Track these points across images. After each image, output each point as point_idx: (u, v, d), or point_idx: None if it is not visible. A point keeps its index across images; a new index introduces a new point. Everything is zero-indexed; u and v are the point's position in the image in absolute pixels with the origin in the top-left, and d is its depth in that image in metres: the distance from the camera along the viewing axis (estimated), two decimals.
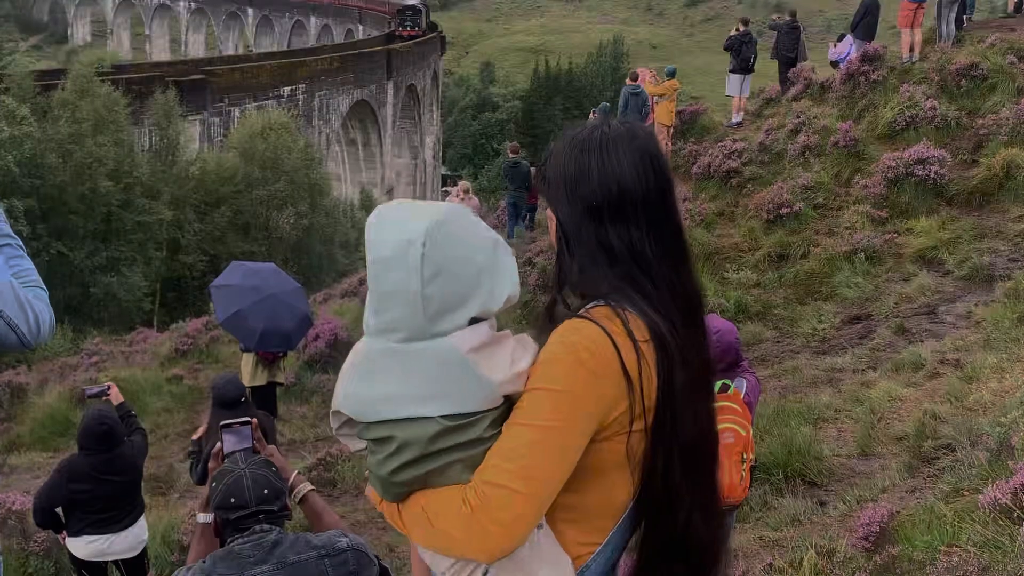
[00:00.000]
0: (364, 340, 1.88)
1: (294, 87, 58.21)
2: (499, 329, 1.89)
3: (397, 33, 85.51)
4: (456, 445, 1.76)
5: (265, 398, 10.51)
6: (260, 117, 44.22)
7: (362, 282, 19.69)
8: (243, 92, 51.36)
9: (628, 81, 18.56)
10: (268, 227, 40.50)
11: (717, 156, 15.94)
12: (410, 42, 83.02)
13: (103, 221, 33.66)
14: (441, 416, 1.75)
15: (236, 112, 49.44)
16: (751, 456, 4.89)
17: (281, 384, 11.53)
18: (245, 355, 10.52)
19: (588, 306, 1.87)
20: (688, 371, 1.86)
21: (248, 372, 10.37)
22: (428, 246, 1.74)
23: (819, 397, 8.65)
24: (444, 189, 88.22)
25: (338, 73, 65.06)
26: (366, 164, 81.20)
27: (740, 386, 5.14)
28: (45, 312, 2.65)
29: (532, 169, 19.14)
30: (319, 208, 43.35)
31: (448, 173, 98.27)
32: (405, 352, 1.78)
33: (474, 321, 1.81)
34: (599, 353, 1.76)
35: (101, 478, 6.11)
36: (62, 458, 6.74)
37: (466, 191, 18.12)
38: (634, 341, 1.80)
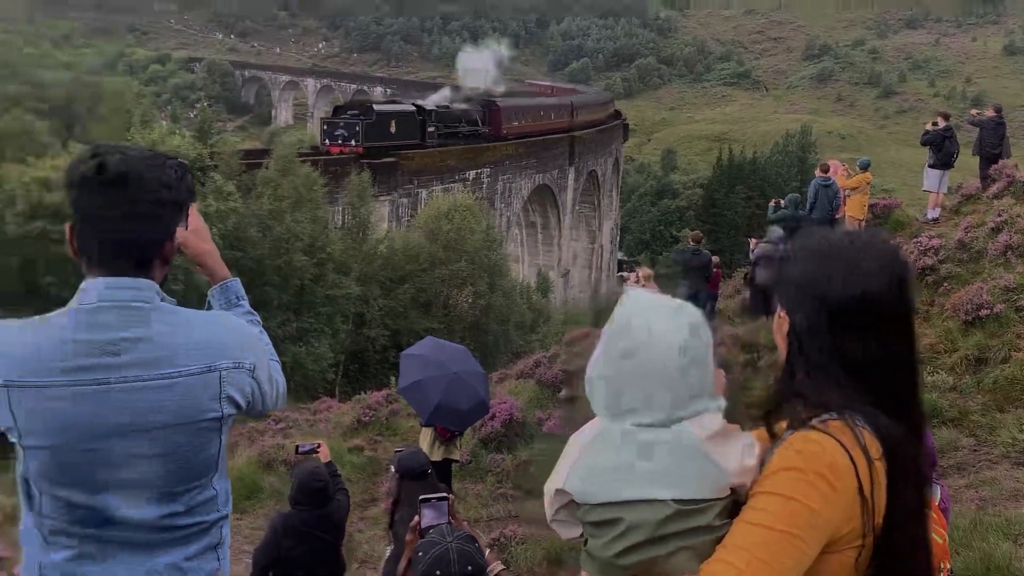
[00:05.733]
0: (595, 422, 1.93)
1: (479, 171, 59.96)
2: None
3: (323, 146, 48.80)
4: (685, 531, 1.77)
5: (441, 475, 10.66)
6: (446, 199, 45.62)
7: (537, 364, 19.82)
8: (431, 175, 53.30)
9: (818, 172, 18.11)
10: (448, 305, 41.40)
11: (912, 252, 15.36)
12: (592, 130, 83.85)
13: (296, 294, 35.08)
14: (673, 500, 1.77)
15: (424, 194, 51.26)
16: (948, 566, 4.63)
17: (457, 461, 11.70)
18: (424, 430, 10.72)
19: (822, 418, 1.84)
20: (916, 490, 1.83)
21: (426, 448, 10.55)
22: (690, 335, 1.84)
23: (1020, 511, 8.10)
24: (620, 274, 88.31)
25: (522, 158, 66.67)
26: (544, 247, 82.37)
27: (936, 493, 4.90)
28: (281, 382, 2.82)
29: (714, 258, 18.94)
30: (497, 288, 44.03)
31: (624, 258, 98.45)
32: (642, 434, 1.83)
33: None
34: (837, 469, 1.74)
35: (310, 533, 6.07)
36: (274, 516, 6.77)
37: (647, 277, 18.07)
38: (869, 459, 1.77)
